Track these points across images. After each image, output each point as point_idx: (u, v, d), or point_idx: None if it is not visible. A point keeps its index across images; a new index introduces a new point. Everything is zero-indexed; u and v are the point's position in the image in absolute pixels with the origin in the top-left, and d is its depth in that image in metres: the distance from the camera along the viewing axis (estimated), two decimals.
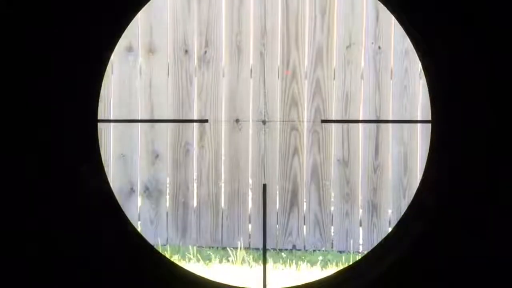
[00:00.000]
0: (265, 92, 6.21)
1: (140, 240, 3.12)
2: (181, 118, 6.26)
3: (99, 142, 6.15)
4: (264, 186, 4.12)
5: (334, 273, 3.23)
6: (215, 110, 6.25)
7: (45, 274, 2.85)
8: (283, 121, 6.22)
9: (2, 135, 2.85)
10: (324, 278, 3.19)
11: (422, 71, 6.04)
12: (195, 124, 6.29)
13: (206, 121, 6.30)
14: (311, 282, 3.18)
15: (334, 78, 6.21)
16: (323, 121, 6.27)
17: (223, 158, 6.31)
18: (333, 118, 6.21)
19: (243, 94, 6.24)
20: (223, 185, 6.30)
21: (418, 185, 3.17)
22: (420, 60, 3.08)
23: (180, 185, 6.35)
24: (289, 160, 6.26)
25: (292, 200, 6.29)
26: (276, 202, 6.25)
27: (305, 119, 6.24)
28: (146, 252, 3.09)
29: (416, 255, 2.89)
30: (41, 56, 2.83)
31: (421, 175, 5.80)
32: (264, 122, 6.20)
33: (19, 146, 2.84)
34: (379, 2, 5.97)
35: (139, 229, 6.31)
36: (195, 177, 6.33)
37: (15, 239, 2.84)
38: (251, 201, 6.30)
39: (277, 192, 6.24)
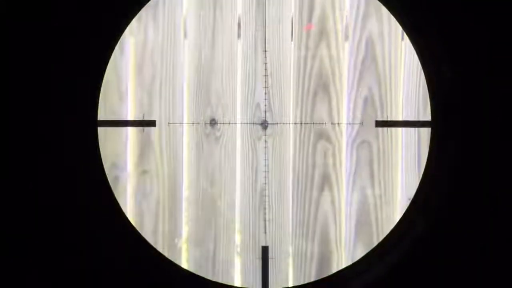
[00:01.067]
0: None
1: (140, 240, 3.02)
2: None
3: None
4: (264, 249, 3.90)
5: (334, 273, 3.09)
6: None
7: (45, 274, 2.76)
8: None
9: (2, 135, 2.73)
10: (324, 278, 3.07)
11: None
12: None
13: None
14: (311, 282, 3.08)
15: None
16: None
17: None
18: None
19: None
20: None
21: (417, 185, 2.98)
22: (419, 60, 2.97)
23: None
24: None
25: None
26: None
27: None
28: (146, 252, 3.00)
29: (416, 255, 2.79)
30: (41, 56, 2.72)
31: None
32: (264, 123, 5.86)
33: (19, 146, 2.75)
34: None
35: None
36: None
37: (15, 239, 2.75)
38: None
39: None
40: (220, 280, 3.75)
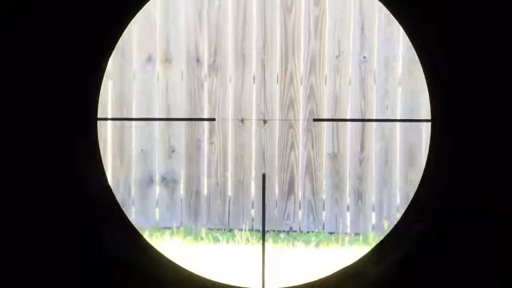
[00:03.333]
0: (265, 95, 6.45)
1: (141, 239, 2.97)
2: (193, 117, 6.42)
3: (122, 139, 6.55)
4: (264, 175, 4.22)
5: (334, 272, 3.01)
6: (223, 110, 6.46)
7: (45, 274, 2.69)
8: (281, 120, 6.42)
9: (2, 135, 2.68)
10: (324, 278, 2.99)
11: (400, 78, 6.25)
12: (205, 122, 6.49)
13: (214, 119, 6.48)
14: (311, 282, 3.00)
15: (325, 84, 6.40)
16: (315, 120, 6.49)
17: (229, 152, 6.47)
18: (325, 118, 6.42)
19: (247, 96, 6.43)
20: (229, 175, 6.48)
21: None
22: (420, 60, 2.90)
23: (193, 176, 6.56)
24: (286, 154, 6.44)
25: (289, 188, 6.46)
26: (275, 190, 6.41)
27: (300, 119, 6.40)
28: (146, 252, 2.94)
29: (416, 255, 2.73)
30: (42, 56, 2.66)
31: (403, 169, 5.82)
32: (265, 121, 6.43)
33: (19, 146, 2.69)
34: (367, 15, 6.23)
35: (156, 214, 6.56)
36: (205, 169, 6.53)
37: (15, 239, 2.68)
38: (253, 189, 6.47)
39: (276, 182, 6.41)
40: None
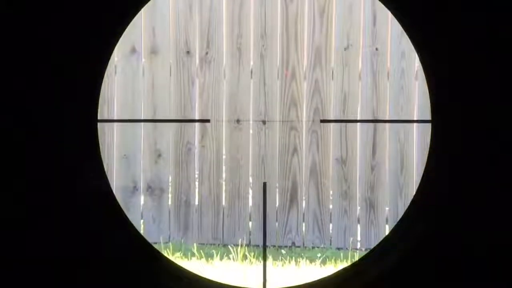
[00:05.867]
0: (265, 93, 6.37)
1: (140, 240, 3.08)
2: (183, 118, 6.43)
3: (103, 141, 6.44)
4: (264, 184, 4.22)
5: (334, 272, 3.19)
6: (217, 110, 6.40)
7: (45, 274, 2.82)
8: (282, 121, 6.38)
9: (2, 135, 2.81)
10: (324, 278, 3.16)
11: (418, 72, 6.26)
12: (196, 124, 6.45)
13: (208, 121, 6.45)
14: (311, 282, 3.14)
15: (332, 79, 6.36)
16: (322, 121, 6.43)
17: (224, 157, 6.46)
18: (332, 118, 6.35)
19: (243, 94, 6.39)
20: (224, 183, 6.44)
21: (417, 184, 3.14)
22: (420, 59, 3.05)
23: (182, 184, 6.50)
24: (288, 159, 6.39)
25: (292, 198, 6.41)
26: (276, 200, 6.39)
27: (304, 119, 6.39)
28: (146, 252, 3.05)
29: (416, 255, 2.86)
30: (41, 56, 2.79)
31: (421, 174, 5.83)
32: (264, 122, 6.35)
33: (19, 146, 2.80)
34: (379, 2, 6.17)
35: (141, 227, 6.50)
36: (196, 175, 6.49)
37: (15, 238, 2.81)
38: (251, 199, 6.45)
39: (277, 190, 6.38)
40: None
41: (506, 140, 2.77)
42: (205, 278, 3.15)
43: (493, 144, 2.77)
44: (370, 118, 6.32)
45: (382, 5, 6.02)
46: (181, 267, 3.18)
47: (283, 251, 6.32)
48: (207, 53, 6.41)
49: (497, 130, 2.76)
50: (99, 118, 5.85)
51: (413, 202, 3.10)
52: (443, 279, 2.80)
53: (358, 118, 6.37)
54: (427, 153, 3.07)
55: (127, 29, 6.11)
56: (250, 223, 6.49)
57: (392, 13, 3.10)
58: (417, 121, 6.40)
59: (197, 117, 6.43)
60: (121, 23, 2.95)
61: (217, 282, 3.18)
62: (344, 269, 3.18)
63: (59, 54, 2.80)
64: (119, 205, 3.10)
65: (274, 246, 6.37)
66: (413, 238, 2.89)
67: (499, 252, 2.77)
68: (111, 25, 2.88)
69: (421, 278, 2.83)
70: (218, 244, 6.44)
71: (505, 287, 2.79)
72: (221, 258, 6.14)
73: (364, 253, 6.41)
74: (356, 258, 6.22)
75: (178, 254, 6.23)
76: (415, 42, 2.98)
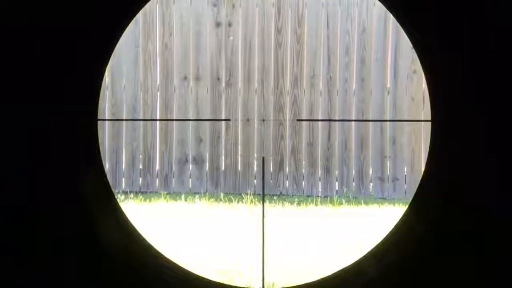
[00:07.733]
0: (264, 102, 7.61)
1: (140, 239, 2.85)
2: (214, 118, 7.64)
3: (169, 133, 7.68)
4: (263, 158, 5.74)
5: (334, 273, 2.84)
6: (234, 113, 7.67)
7: (45, 273, 2.57)
8: (274, 119, 7.54)
9: (3, 134, 2.54)
10: (324, 278, 2.85)
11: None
12: (222, 122, 7.64)
13: (229, 120, 7.58)
14: (311, 282, 2.86)
15: (304, 94, 7.64)
16: (298, 120, 7.60)
17: (239, 142, 7.64)
18: (304, 118, 7.56)
19: (251, 103, 7.66)
20: (239, 157, 7.73)
21: (418, 184, 2.86)
22: (419, 59, 2.78)
23: (214, 158, 7.76)
24: (278, 143, 7.66)
25: (280, 166, 7.71)
26: (270, 167, 7.68)
27: (287, 119, 7.57)
28: (145, 251, 2.84)
29: (416, 255, 2.61)
30: (42, 56, 2.54)
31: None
32: (263, 120, 7.55)
33: (20, 146, 2.56)
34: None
35: (189, 183, 7.66)
36: (223, 152, 7.73)
37: (15, 238, 2.56)
38: (255, 167, 7.74)
39: (271, 162, 7.64)
40: None
41: (506, 140, 2.50)
42: (205, 278, 2.87)
43: (493, 144, 2.51)
44: (326, 118, 7.52)
45: (334, 50, 7.60)
46: (181, 267, 2.86)
47: (275, 198, 7.54)
48: (229, 79, 7.65)
49: (497, 130, 2.50)
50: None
51: (413, 201, 2.81)
52: (443, 278, 2.55)
53: (320, 118, 7.56)
54: (427, 153, 2.76)
55: (181, 62, 7.78)
56: (255, 181, 7.70)
57: (391, 13, 2.83)
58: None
59: (223, 117, 7.59)
60: (121, 23, 2.72)
61: (217, 282, 2.92)
62: (344, 270, 2.87)
63: (59, 54, 2.54)
64: (118, 205, 2.82)
65: (269, 194, 7.53)
66: (413, 238, 2.67)
67: (499, 252, 2.53)
68: (112, 25, 2.63)
69: (421, 278, 2.57)
70: (236, 193, 7.61)
71: (505, 286, 2.53)
72: (237, 202, 7.34)
73: (323, 199, 7.41)
74: (318, 202, 7.37)
75: (212, 199, 7.38)
76: (414, 42, 2.73)
